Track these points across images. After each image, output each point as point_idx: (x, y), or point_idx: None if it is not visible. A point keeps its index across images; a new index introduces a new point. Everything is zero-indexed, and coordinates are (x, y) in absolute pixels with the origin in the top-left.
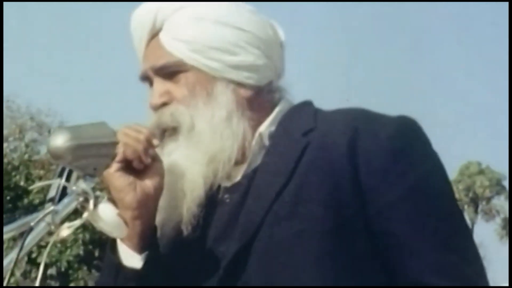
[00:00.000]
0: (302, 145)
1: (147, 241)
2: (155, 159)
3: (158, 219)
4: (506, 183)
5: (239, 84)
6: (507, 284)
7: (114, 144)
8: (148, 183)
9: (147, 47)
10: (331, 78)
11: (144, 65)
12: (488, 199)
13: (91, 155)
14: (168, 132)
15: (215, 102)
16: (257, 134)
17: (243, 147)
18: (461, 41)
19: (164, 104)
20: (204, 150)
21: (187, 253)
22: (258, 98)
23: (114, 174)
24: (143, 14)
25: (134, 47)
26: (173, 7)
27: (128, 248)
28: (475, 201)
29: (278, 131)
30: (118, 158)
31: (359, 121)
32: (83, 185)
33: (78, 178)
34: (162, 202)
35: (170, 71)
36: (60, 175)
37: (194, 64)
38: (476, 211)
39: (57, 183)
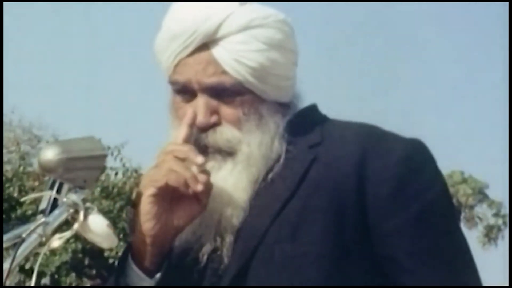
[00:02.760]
0: (308, 160)
1: (158, 266)
2: (202, 197)
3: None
4: (488, 192)
5: (281, 105)
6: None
7: (103, 157)
8: (176, 219)
9: (191, 54)
10: (310, 83)
11: (187, 73)
12: (471, 207)
13: (81, 167)
14: (214, 150)
15: (266, 126)
16: None
17: None
18: (445, 48)
19: (214, 125)
20: (253, 174)
21: (190, 269)
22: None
23: (147, 198)
24: (204, 18)
25: (162, 44)
26: (240, 24)
27: (139, 271)
28: (458, 209)
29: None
30: (158, 184)
31: (369, 142)
32: (73, 197)
33: (68, 190)
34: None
35: (224, 92)
36: (51, 187)
37: (252, 89)
38: (459, 219)
39: (48, 195)
